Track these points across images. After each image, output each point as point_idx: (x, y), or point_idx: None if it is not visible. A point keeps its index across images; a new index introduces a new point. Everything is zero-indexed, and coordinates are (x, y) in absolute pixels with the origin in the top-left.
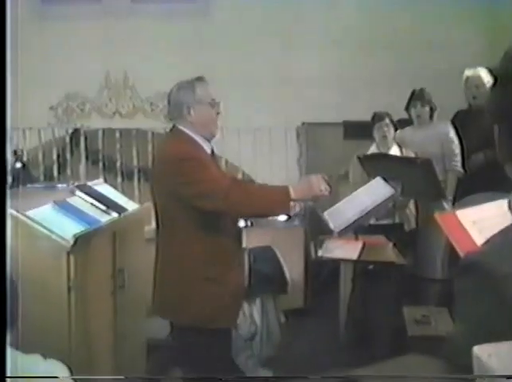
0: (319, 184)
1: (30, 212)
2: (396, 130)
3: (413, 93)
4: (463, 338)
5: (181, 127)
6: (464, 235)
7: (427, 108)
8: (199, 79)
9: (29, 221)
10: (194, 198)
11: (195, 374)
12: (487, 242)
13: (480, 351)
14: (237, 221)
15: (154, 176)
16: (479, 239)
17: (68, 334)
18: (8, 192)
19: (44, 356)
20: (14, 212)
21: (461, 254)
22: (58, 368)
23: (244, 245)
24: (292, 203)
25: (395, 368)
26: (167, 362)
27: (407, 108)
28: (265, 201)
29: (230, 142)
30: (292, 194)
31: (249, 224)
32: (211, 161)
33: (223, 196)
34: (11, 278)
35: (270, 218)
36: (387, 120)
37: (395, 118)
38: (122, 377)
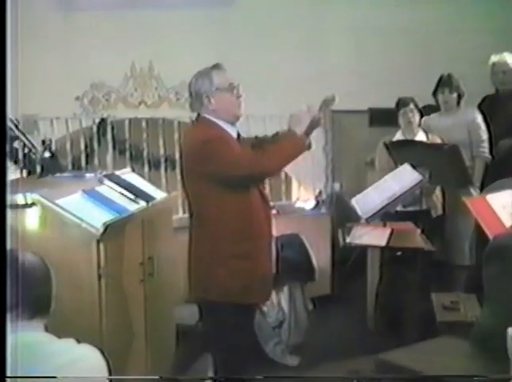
0: (304, 114)
1: (60, 201)
2: (421, 115)
3: (440, 78)
4: (492, 321)
5: (205, 115)
6: (494, 219)
7: (455, 95)
8: (216, 66)
9: (58, 209)
10: (224, 170)
11: (223, 359)
12: None
13: None
14: (267, 203)
15: (183, 163)
16: (509, 223)
17: (99, 320)
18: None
19: (78, 340)
20: (44, 201)
21: (491, 238)
22: (91, 353)
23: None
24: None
25: (426, 350)
26: (196, 347)
27: (434, 93)
28: (287, 153)
29: (256, 130)
30: (299, 132)
31: (275, 212)
32: (237, 143)
33: (252, 164)
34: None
35: (297, 206)
36: (412, 105)
37: (421, 105)
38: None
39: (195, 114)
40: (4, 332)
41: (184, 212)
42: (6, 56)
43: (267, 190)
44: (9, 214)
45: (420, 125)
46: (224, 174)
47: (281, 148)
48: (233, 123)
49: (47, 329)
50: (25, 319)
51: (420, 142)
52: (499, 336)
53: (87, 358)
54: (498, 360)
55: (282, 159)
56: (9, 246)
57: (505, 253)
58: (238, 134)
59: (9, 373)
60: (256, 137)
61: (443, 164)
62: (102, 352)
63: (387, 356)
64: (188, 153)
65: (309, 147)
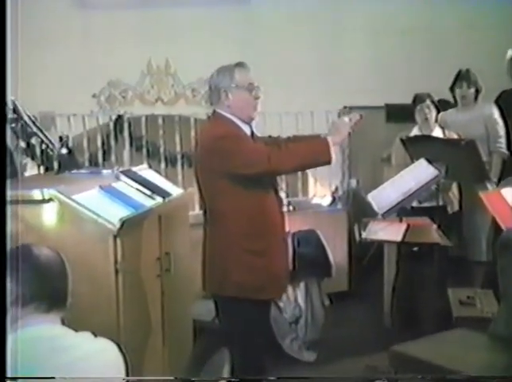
0: (345, 123)
1: (76, 197)
2: (438, 111)
3: (458, 73)
4: (506, 314)
5: (220, 111)
6: (509, 213)
7: (472, 90)
8: (239, 64)
9: (75, 205)
10: (238, 168)
11: (240, 354)
12: None
13: None
14: (281, 201)
15: (197, 159)
16: None
17: (116, 315)
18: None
19: (95, 334)
20: (61, 196)
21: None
22: (108, 346)
23: (287, 229)
24: (333, 151)
25: (442, 341)
26: (213, 343)
27: (452, 88)
28: (307, 155)
29: (272, 126)
30: (330, 142)
31: (291, 208)
32: (251, 140)
33: (266, 160)
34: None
35: (314, 202)
36: (428, 101)
37: (437, 100)
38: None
39: (211, 111)
40: (4, 332)
41: (200, 209)
42: (7, 54)
43: (284, 187)
44: (27, 210)
45: (436, 121)
46: (239, 171)
47: (303, 150)
48: (247, 123)
49: (64, 323)
50: (42, 312)
51: (437, 138)
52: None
53: (104, 351)
54: None
55: (300, 162)
56: (26, 241)
57: None
58: (252, 132)
59: (20, 367)
60: (270, 136)
61: (460, 159)
62: (119, 346)
63: (401, 348)
64: (202, 149)
65: (330, 162)
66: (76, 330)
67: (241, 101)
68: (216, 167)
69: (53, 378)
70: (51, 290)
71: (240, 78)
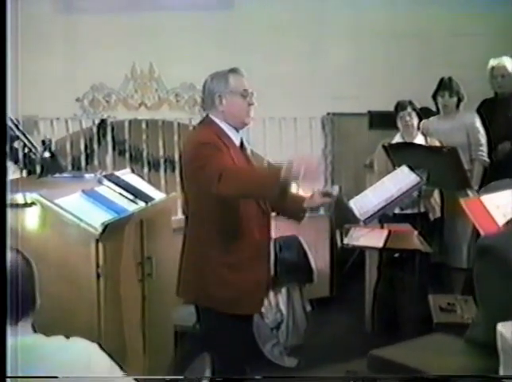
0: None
1: (59, 201)
2: (420, 118)
3: (441, 82)
4: (482, 320)
5: (212, 117)
6: (489, 220)
7: (454, 99)
8: (234, 70)
9: (58, 209)
10: (204, 182)
11: (221, 359)
12: (505, 225)
13: (503, 328)
14: (264, 211)
15: (182, 163)
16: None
17: (98, 319)
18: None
19: (67, 336)
20: (44, 200)
21: None
22: (84, 345)
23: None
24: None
25: (419, 346)
26: (195, 348)
27: (434, 96)
28: (252, 183)
29: (256, 132)
30: (282, 174)
31: (274, 213)
32: (239, 152)
33: (217, 180)
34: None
35: None
36: (410, 109)
37: (420, 107)
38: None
39: (194, 116)
40: (4, 331)
41: (183, 214)
42: (7, 56)
43: None
44: (9, 213)
45: (419, 128)
46: (202, 188)
47: (257, 177)
48: (238, 129)
49: (34, 328)
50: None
51: (419, 145)
52: (490, 334)
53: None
54: (490, 357)
55: (244, 187)
56: (8, 245)
57: (491, 252)
58: (242, 142)
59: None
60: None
61: (442, 167)
62: (100, 344)
63: (379, 352)
64: (185, 153)
65: (272, 198)
66: (57, 335)
67: (234, 107)
68: (194, 173)
69: (55, 377)
70: (20, 294)
71: (235, 84)
